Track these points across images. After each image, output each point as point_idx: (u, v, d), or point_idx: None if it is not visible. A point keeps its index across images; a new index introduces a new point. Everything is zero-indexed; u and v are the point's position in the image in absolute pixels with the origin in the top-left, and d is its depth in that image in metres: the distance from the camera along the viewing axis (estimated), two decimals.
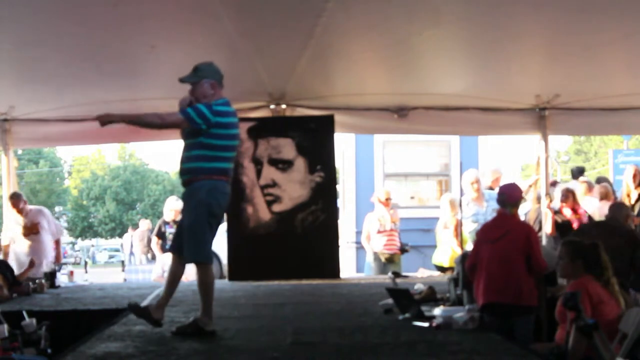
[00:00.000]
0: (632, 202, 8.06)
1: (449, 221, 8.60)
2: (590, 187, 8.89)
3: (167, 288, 4.77)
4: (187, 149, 4.69)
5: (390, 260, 8.83)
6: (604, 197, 8.44)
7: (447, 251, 8.54)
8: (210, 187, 4.59)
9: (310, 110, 8.52)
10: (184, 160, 4.68)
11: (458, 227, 8.30)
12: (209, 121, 4.56)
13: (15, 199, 8.28)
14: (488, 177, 9.16)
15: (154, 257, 17.60)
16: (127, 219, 41.51)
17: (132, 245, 24.65)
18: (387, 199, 8.94)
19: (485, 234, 5.42)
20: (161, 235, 9.27)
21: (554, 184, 9.78)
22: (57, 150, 45.03)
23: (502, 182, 8.98)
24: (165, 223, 9.40)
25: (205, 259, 4.63)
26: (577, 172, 10.61)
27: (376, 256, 8.90)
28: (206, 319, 4.60)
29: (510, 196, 5.44)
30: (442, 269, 8.55)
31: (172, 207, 9.38)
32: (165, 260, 9.12)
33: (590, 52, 6.73)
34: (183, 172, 4.71)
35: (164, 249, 9.12)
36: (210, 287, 4.62)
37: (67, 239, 41.22)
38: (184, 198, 4.77)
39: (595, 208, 8.29)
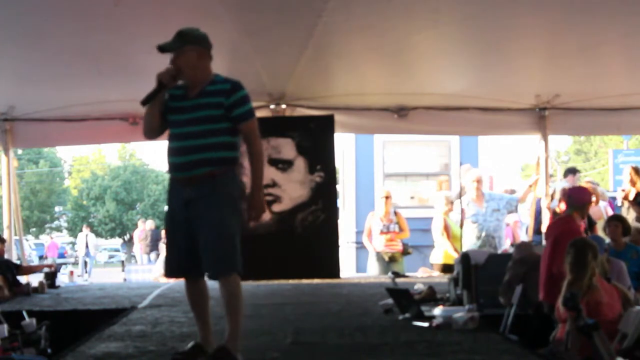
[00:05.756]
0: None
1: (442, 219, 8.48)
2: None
3: (199, 318, 3.84)
4: (199, 135, 3.69)
5: (393, 259, 8.80)
6: None
7: (442, 250, 8.47)
8: (239, 182, 3.82)
9: (310, 110, 8.52)
10: (197, 149, 3.68)
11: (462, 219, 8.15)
12: None
13: None
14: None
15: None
16: (127, 219, 41.48)
17: (87, 246, 23.44)
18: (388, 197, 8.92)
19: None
20: None
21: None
22: (57, 150, 44.97)
23: (484, 182, 8.93)
24: None
25: (241, 268, 3.79)
26: (569, 172, 10.38)
27: (379, 256, 8.87)
28: (237, 343, 3.64)
29: (575, 199, 5.45)
30: (447, 268, 8.35)
31: None
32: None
33: (590, 52, 6.74)
34: (198, 164, 3.68)
35: None
36: (242, 301, 3.76)
37: (67, 239, 41.19)
38: (197, 196, 3.69)
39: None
